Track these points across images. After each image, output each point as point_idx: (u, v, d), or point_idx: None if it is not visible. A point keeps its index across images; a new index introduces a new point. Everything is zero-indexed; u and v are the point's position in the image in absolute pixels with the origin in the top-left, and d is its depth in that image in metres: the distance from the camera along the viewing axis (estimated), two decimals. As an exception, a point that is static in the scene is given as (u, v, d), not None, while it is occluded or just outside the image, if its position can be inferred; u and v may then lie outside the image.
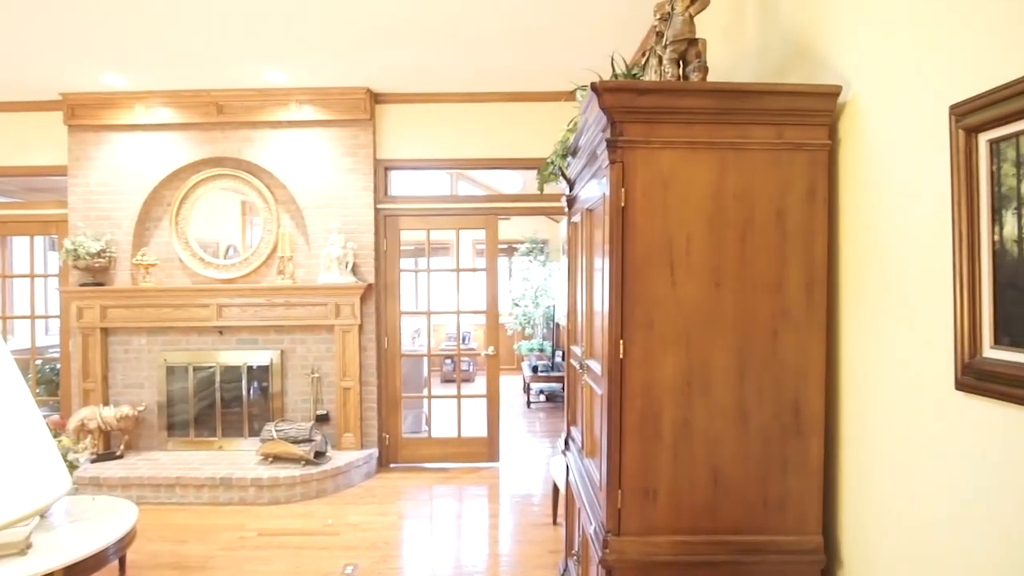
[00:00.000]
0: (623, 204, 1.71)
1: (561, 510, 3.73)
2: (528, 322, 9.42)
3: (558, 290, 9.60)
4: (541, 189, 2.78)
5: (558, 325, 8.51)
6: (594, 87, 1.66)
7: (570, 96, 2.65)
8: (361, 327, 4.69)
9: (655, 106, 1.68)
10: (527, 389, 7.29)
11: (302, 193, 4.71)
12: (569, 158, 2.61)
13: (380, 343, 4.80)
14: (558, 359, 7.94)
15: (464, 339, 9.48)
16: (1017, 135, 1.11)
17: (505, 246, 10.05)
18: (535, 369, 7.13)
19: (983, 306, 1.19)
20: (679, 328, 1.72)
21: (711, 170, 1.72)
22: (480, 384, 5.69)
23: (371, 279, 4.71)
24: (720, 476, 1.72)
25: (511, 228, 10.07)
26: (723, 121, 1.71)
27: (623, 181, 1.71)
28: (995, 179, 1.16)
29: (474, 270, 5.06)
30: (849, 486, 1.69)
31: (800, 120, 1.72)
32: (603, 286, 1.84)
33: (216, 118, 4.68)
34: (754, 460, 1.72)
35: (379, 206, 4.80)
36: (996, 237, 1.15)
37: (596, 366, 2.04)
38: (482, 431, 4.88)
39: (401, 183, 5.32)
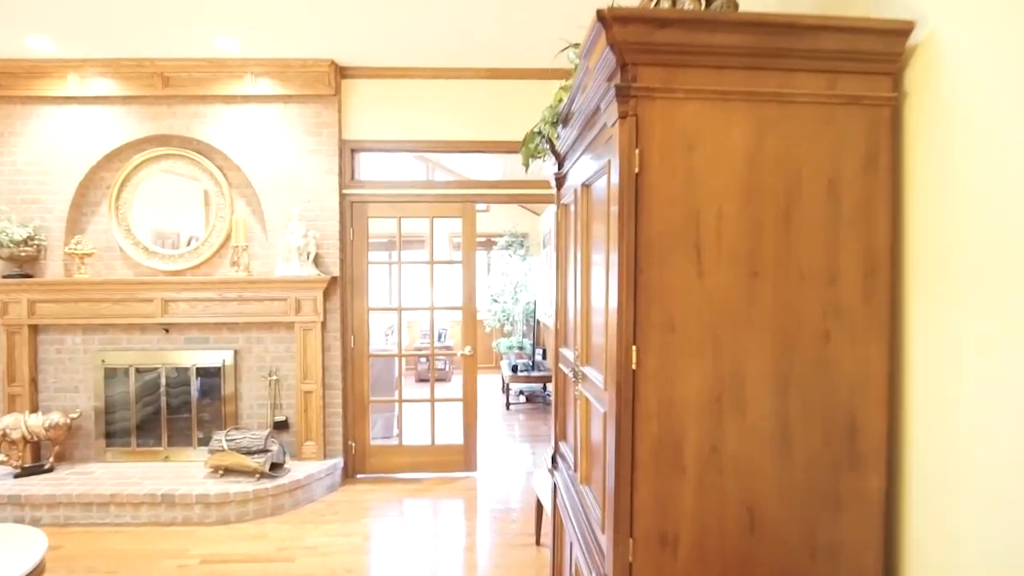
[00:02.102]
0: (637, 170, 1.33)
1: (546, 529, 3.36)
2: (507, 319, 9.04)
3: (539, 285, 9.23)
4: (526, 166, 2.39)
5: (538, 322, 8.14)
6: (600, 16, 1.27)
7: (558, 73, 2.25)
8: (324, 324, 4.26)
9: (678, 43, 1.31)
10: (506, 389, 6.91)
11: (259, 176, 4.25)
12: (560, 128, 2.23)
13: (345, 342, 4.37)
14: (539, 358, 7.58)
15: (439, 337, 9.06)
16: None
17: (483, 239, 9.66)
18: (515, 369, 6.75)
19: None
20: (706, 330, 1.35)
21: (747, 129, 1.35)
22: (456, 384, 5.30)
23: (336, 272, 4.28)
24: (757, 518, 1.36)
25: (490, 221, 9.68)
26: (763, 66, 1.34)
27: (637, 140, 1.32)
28: None
29: (450, 262, 4.64)
30: (918, 533, 1.34)
31: (859, 66, 1.36)
32: (608, 277, 1.46)
33: (161, 91, 4.19)
34: (799, 497, 1.36)
35: (345, 191, 4.37)
36: None
37: (597, 377, 1.66)
38: (458, 438, 4.49)
39: (370, 168, 4.88)
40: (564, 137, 2.19)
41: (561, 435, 2.42)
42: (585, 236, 1.89)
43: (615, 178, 1.36)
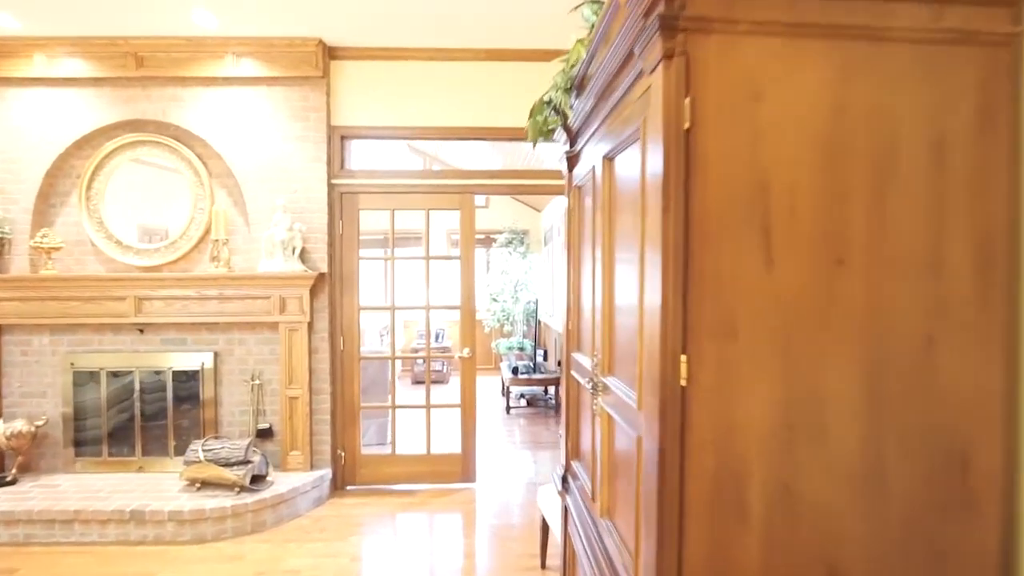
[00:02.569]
0: (687, 125, 1.02)
1: (552, 551, 3.05)
2: (507, 319, 8.74)
3: (540, 284, 8.93)
4: (534, 140, 2.09)
5: (540, 322, 7.83)
6: (642, -80, 0.97)
7: (564, 54, 1.94)
8: (311, 325, 3.94)
9: (742, -41, 1.00)
10: (506, 392, 6.60)
11: (241, 164, 3.94)
12: (573, 98, 1.92)
13: (334, 343, 4.06)
14: (540, 359, 7.26)
15: (437, 337, 8.75)
16: None
17: (482, 236, 9.35)
18: (515, 371, 6.45)
19: None
20: (776, 335, 1.04)
21: (827, 75, 1.05)
22: (454, 388, 5.00)
23: (324, 268, 3.96)
24: (841, 578, 1.05)
25: (489, 218, 9.37)
26: (849, -8, 1.04)
27: (687, 86, 1.02)
28: None
29: (448, 258, 4.34)
30: (1055, 597, 1.03)
31: (972, -7, 1.05)
32: (645, 268, 1.16)
33: (135, 72, 3.87)
34: (894, 551, 1.06)
35: (334, 181, 4.05)
36: None
37: (626, 392, 1.36)
38: (455, 446, 4.18)
39: (362, 159, 4.57)
40: (578, 109, 1.88)
41: (574, 453, 2.11)
42: (607, 221, 1.58)
43: (655, 140, 1.05)
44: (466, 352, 4.10)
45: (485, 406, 6.81)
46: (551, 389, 6.83)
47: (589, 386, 1.72)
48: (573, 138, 2.06)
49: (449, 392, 6.96)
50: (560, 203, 7.01)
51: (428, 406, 4.16)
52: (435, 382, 8.33)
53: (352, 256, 4.08)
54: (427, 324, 4.25)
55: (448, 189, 4.11)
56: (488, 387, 7.99)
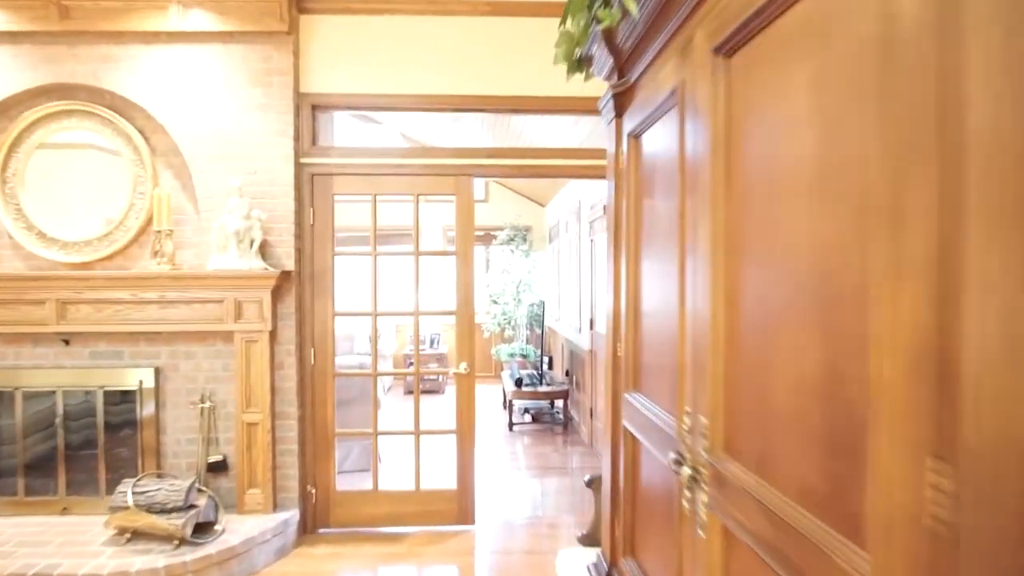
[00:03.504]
0: None
1: (574, 635, 2.34)
2: (508, 322, 8.03)
3: (545, 284, 8.23)
4: (570, 65, 1.38)
5: (545, 327, 7.12)
6: None
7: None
8: (274, 334, 3.24)
9: None
10: (508, 405, 5.89)
11: (190, 139, 3.23)
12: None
13: (303, 357, 3.35)
14: (544, 367, 6.55)
15: (431, 343, 8.04)
16: None
17: (482, 233, 8.65)
18: (519, 382, 5.74)
19: None
20: None
21: None
22: (451, 398, 4.28)
23: (290, 265, 3.26)
24: None
25: (488, 213, 8.67)
26: None
27: None
28: None
29: (442, 253, 3.63)
30: None
31: None
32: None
33: (59, 25, 3.16)
34: None
35: (304, 160, 3.35)
36: None
37: (812, 527, 0.63)
38: (450, 480, 3.48)
39: (340, 134, 3.86)
40: (632, 22, 1.18)
41: (628, 549, 1.40)
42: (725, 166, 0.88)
43: None
44: (463, 368, 3.39)
45: (485, 420, 6.10)
46: (558, 402, 6.12)
47: (678, 467, 1.02)
48: (624, 64, 1.36)
49: (445, 405, 6.25)
50: (571, 193, 6.31)
51: (417, 432, 3.45)
52: (430, 392, 7.62)
53: (325, 251, 3.37)
54: (416, 333, 3.54)
55: (442, 170, 3.40)
56: (488, 398, 7.28)
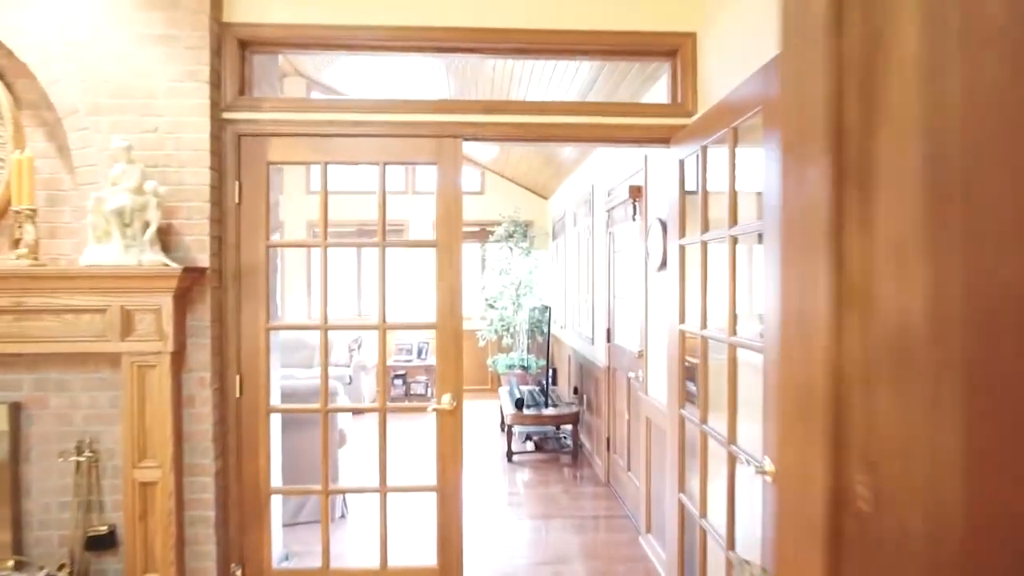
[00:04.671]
0: None
1: None
2: (507, 330, 7.12)
3: (550, 287, 7.32)
4: None
5: (551, 336, 6.20)
6: None
7: None
8: (180, 356, 2.31)
9: None
10: (507, 431, 4.97)
11: (62, 84, 2.31)
12: None
13: (225, 387, 2.43)
14: (549, 382, 5.62)
15: (420, 353, 7.12)
16: None
17: (476, 228, 7.74)
18: (520, 404, 4.83)
19: None
20: None
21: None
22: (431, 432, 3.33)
23: (204, 260, 2.33)
24: None
25: (484, 206, 7.77)
26: None
27: None
28: None
29: (418, 244, 2.72)
30: None
31: None
32: None
33: None
34: None
35: (228, 116, 2.43)
36: None
37: None
38: (429, 553, 2.54)
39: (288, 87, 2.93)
40: None
41: None
42: None
43: None
44: (447, 401, 2.47)
45: (479, 447, 5.18)
46: (565, 427, 5.20)
47: None
48: None
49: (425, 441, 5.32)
50: (581, 179, 5.38)
51: (383, 490, 2.52)
52: (415, 409, 6.70)
53: (257, 240, 2.45)
54: (381, 353, 2.61)
55: (419, 129, 2.48)
56: (483, 417, 6.36)
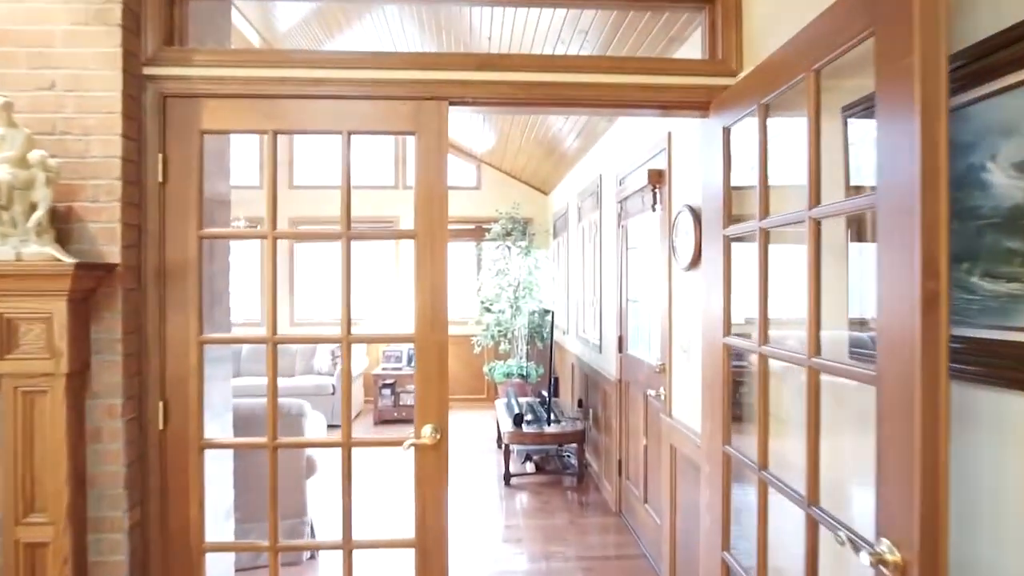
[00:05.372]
0: None
1: None
2: (504, 335, 6.61)
3: (553, 289, 6.81)
4: None
5: (553, 343, 5.69)
6: None
7: None
8: (81, 378, 1.79)
9: None
10: (504, 450, 4.44)
11: (-69, 26, 1.79)
12: None
13: (145, 417, 1.91)
14: (550, 394, 5.10)
15: (411, 360, 6.59)
16: None
17: (471, 226, 7.25)
18: (518, 420, 4.32)
19: None
20: None
21: None
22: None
23: (114, 254, 1.81)
24: None
25: (479, 202, 7.26)
26: None
27: None
28: None
29: (390, 236, 2.19)
30: None
31: None
32: None
33: None
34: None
35: (150, 71, 1.91)
36: None
37: None
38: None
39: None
40: None
41: None
42: None
43: None
44: (427, 434, 1.94)
45: (472, 466, 4.66)
46: (569, 446, 4.68)
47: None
48: None
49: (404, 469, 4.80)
50: (587, 168, 4.87)
51: (348, 548, 1.99)
52: (401, 421, 6.20)
53: (187, 230, 1.93)
54: (345, 369, 2.07)
55: (392, 89, 1.96)
56: (478, 430, 5.84)
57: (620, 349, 3.76)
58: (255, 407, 3.02)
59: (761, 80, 1.66)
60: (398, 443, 1.98)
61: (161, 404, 1.92)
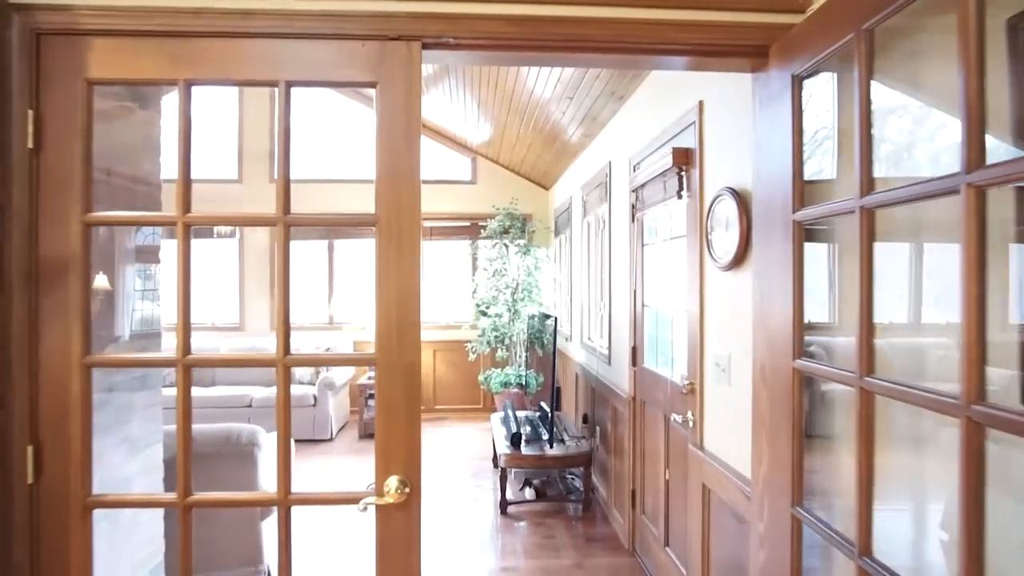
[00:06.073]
0: None
1: None
2: (501, 341, 6.12)
3: (556, 291, 6.32)
4: None
5: (557, 350, 5.19)
6: None
7: None
8: (-101, 421, 1.29)
9: None
10: (501, 475, 3.93)
11: None
12: None
13: (8, 466, 1.41)
14: (551, 408, 4.60)
15: (399, 368, 6.09)
16: None
17: (466, 223, 6.77)
18: (515, 440, 3.82)
19: None
20: None
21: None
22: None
23: (-44, 244, 1.31)
24: None
25: (474, 197, 6.78)
26: None
27: None
28: None
29: (340, 222, 1.69)
30: None
31: None
32: None
33: None
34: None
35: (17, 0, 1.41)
36: None
37: None
38: None
39: None
40: None
41: None
42: None
43: None
44: (392, 488, 1.44)
45: (466, 489, 4.17)
46: (575, 470, 4.17)
47: None
48: None
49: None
50: (594, 157, 4.39)
51: (285, 640, 1.49)
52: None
53: (68, 214, 1.43)
54: (281, 396, 1.56)
55: (345, 25, 1.47)
56: (472, 446, 5.34)
57: (634, 362, 3.27)
58: (201, 434, 2.52)
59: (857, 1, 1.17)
60: (354, 500, 1.48)
61: (31, 449, 1.42)
